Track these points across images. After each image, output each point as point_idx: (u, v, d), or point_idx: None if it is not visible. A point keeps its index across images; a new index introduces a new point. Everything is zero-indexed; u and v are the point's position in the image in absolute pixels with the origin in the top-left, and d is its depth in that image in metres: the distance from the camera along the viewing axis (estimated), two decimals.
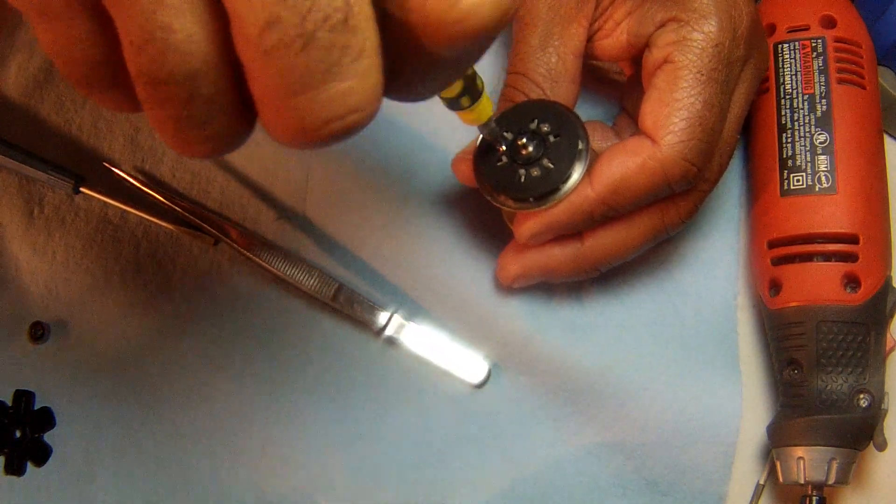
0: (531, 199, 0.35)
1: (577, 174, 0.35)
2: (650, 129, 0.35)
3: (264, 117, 0.20)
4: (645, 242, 0.38)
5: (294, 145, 0.20)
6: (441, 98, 0.32)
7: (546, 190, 0.35)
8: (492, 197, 0.37)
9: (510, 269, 0.39)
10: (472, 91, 0.31)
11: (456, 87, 0.31)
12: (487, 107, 0.32)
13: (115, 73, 0.20)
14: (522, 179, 0.35)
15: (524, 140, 0.35)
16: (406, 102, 0.22)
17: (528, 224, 0.37)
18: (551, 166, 0.35)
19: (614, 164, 0.35)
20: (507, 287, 0.41)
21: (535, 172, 0.35)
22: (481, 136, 0.36)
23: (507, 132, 0.36)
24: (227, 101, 0.20)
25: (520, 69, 0.37)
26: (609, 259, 0.38)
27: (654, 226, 0.37)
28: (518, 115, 0.36)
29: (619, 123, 0.41)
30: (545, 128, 0.35)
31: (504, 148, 0.36)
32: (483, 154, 0.37)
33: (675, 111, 0.34)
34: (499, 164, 0.36)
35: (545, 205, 0.35)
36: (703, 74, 0.34)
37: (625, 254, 0.38)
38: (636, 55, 0.38)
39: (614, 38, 0.38)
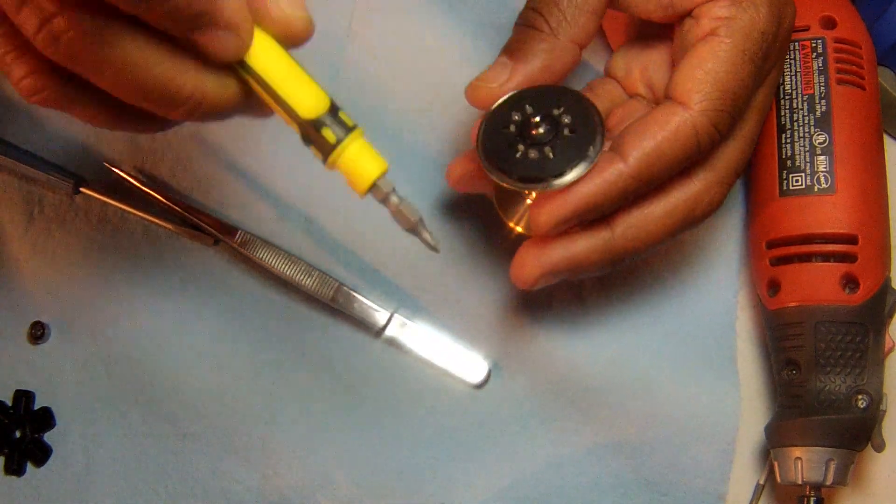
0: (518, 178, 0.34)
1: (573, 173, 0.33)
2: (683, 93, 0.34)
3: None
4: (677, 229, 0.36)
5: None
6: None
7: (542, 175, 0.33)
8: (488, 165, 0.34)
9: (530, 270, 0.35)
10: (318, 138, 0.29)
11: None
12: (368, 164, 0.29)
13: None
14: (518, 155, 0.34)
15: (538, 119, 0.34)
16: None
17: (551, 209, 0.33)
18: (551, 156, 0.34)
19: (646, 134, 0.33)
20: (527, 290, 0.36)
21: (533, 154, 0.34)
22: (493, 108, 0.35)
23: (530, 106, 0.34)
24: None
25: None
26: (642, 247, 0.35)
27: (688, 212, 0.35)
28: (546, 96, 0.35)
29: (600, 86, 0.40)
30: (566, 119, 0.34)
31: (517, 118, 0.34)
32: (491, 126, 0.35)
33: (713, 81, 0.34)
34: (504, 131, 0.34)
35: (533, 189, 0.34)
36: (745, 54, 0.34)
37: (658, 241, 0.36)
38: (671, 17, 0.36)
39: None
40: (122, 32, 0.26)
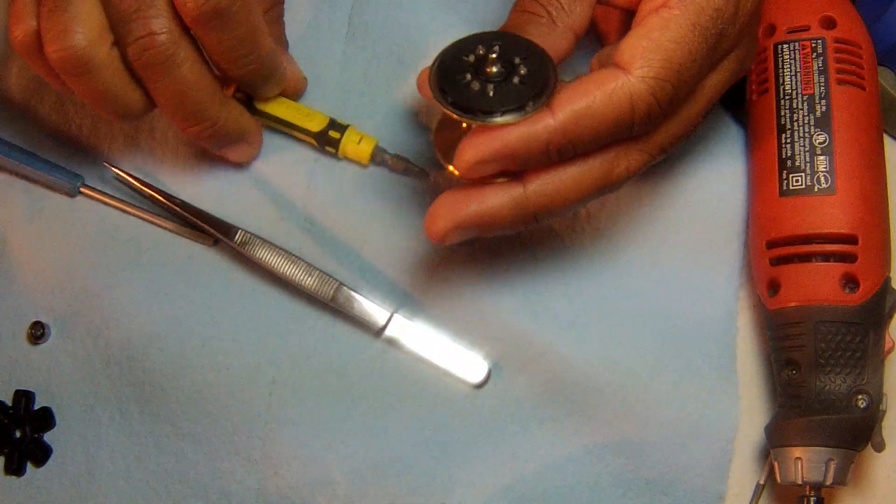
0: (451, 102, 0.34)
1: (503, 118, 0.33)
2: (626, 60, 0.33)
3: None
4: (591, 191, 0.35)
5: None
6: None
7: (472, 107, 0.33)
8: (433, 84, 0.35)
9: (442, 222, 0.35)
10: (328, 141, 0.43)
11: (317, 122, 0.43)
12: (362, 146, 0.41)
13: None
14: (462, 83, 0.34)
15: (495, 57, 0.34)
16: None
17: (475, 146, 0.33)
18: (490, 95, 0.34)
19: (580, 93, 0.33)
20: (438, 243, 0.36)
21: (476, 87, 0.34)
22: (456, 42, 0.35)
23: (496, 46, 0.34)
24: None
25: None
26: (554, 206, 0.35)
27: (603, 174, 0.35)
28: (515, 44, 0.35)
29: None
30: (522, 70, 0.34)
31: (481, 52, 0.34)
32: (454, 51, 0.35)
33: (657, 50, 0.33)
34: (463, 58, 0.35)
35: (460, 118, 0.34)
36: (696, 27, 0.33)
37: (571, 201, 0.35)
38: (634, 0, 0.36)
39: None
40: (191, 56, 0.38)
